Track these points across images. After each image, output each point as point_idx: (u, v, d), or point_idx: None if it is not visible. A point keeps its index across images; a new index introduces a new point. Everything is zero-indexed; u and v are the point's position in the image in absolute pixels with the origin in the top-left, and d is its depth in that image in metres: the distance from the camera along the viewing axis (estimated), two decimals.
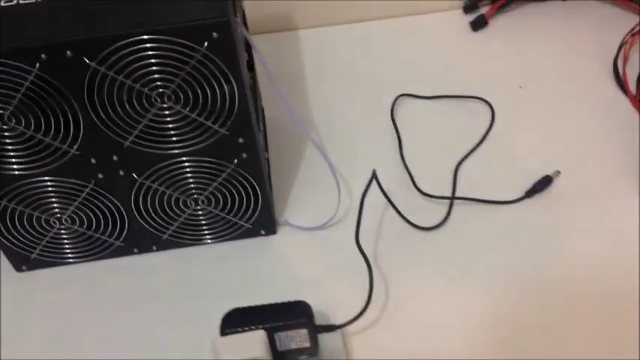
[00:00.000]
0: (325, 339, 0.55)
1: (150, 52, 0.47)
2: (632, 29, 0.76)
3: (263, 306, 0.53)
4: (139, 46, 0.47)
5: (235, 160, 0.57)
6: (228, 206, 0.61)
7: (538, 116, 0.72)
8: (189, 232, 0.63)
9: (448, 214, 0.65)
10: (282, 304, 0.54)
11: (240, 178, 0.59)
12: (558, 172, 0.66)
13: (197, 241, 0.64)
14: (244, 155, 0.57)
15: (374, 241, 0.63)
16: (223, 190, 0.59)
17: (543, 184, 0.66)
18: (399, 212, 0.64)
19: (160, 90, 0.50)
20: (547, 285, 0.59)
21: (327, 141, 0.72)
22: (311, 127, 0.73)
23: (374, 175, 0.59)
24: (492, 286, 0.59)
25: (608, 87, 0.74)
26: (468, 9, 0.84)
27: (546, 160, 0.68)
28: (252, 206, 0.61)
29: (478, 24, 0.82)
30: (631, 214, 0.63)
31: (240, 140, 0.55)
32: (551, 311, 0.57)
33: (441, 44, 0.81)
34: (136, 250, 0.63)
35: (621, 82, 0.74)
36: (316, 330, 0.53)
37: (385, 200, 0.62)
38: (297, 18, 0.84)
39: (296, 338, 0.52)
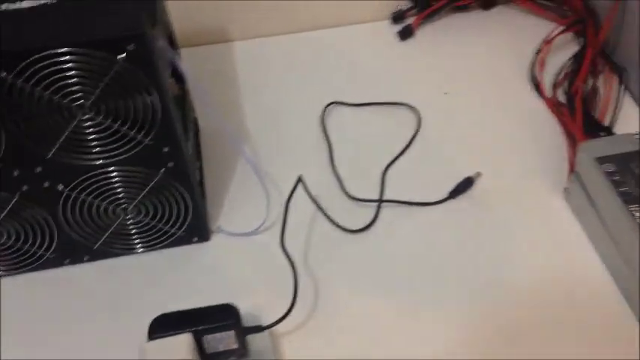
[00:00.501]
0: (254, 340, 0.56)
1: (67, 65, 0.48)
2: (547, 37, 0.81)
3: (191, 310, 0.54)
4: (56, 59, 0.48)
5: (162, 170, 0.58)
6: (159, 215, 0.62)
7: (462, 121, 0.76)
8: (120, 242, 0.63)
9: (375, 216, 0.67)
10: (210, 307, 0.54)
11: (169, 187, 0.60)
12: (479, 174, 0.69)
13: (129, 250, 0.64)
14: (171, 164, 0.58)
15: (303, 244, 0.65)
16: (152, 198, 0.60)
17: (465, 185, 0.68)
18: (326, 215, 0.66)
19: (80, 102, 0.51)
20: (472, 283, 0.61)
21: (260, 149, 0.74)
22: (245, 136, 0.75)
23: (299, 180, 0.61)
24: (419, 286, 0.61)
25: (527, 92, 0.78)
26: (395, 19, 0.87)
27: (469, 162, 0.71)
28: (182, 214, 0.62)
29: (405, 34, 0.85)
30: (547, 212, 0.66)
31: (166, 149, 0.56)
32: (476, 307, 0.60)
33: (370, 53, 0.84)
34: (67, 262, 0.64)
35: (538, 87, 0.78)
36: (244, 331, 0.54)
37: (316, 205, 0.64)
38: (230, 30, 0.86)
39: (224, 340, 0.53)
